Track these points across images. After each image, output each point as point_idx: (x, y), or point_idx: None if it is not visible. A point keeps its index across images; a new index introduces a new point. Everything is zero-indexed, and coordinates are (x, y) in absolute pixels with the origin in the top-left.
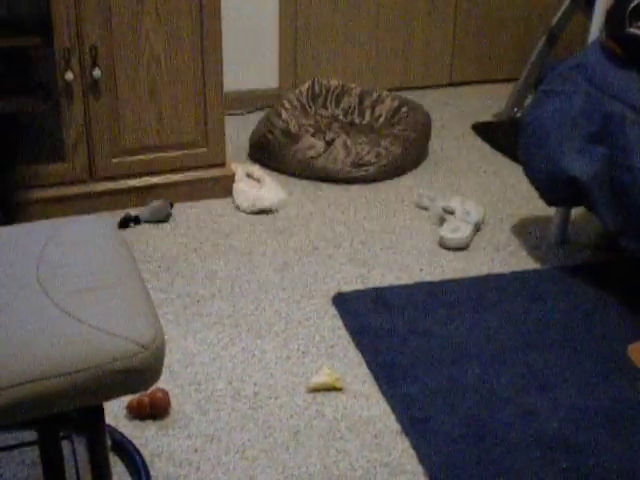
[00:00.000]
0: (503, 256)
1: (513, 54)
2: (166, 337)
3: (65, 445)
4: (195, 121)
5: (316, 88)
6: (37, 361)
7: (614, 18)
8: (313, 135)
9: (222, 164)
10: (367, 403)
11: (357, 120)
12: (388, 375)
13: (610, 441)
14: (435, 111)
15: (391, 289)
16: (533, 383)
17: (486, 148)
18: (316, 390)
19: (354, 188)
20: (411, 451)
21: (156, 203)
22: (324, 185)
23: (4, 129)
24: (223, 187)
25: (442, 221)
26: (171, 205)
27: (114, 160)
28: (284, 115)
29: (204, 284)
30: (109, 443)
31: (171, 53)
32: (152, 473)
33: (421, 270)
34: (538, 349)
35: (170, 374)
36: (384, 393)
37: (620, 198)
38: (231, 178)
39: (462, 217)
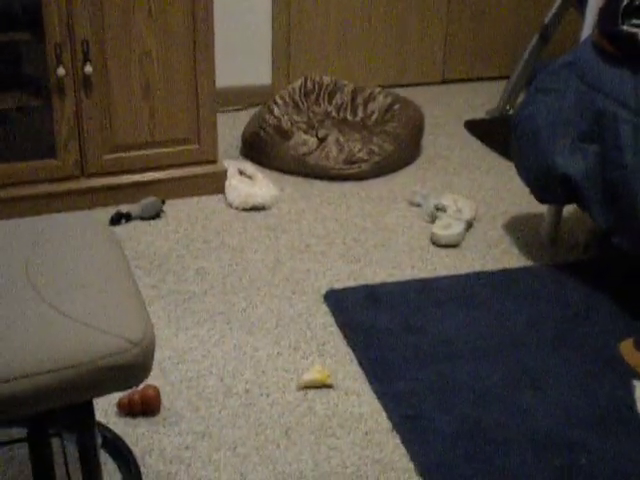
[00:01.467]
0: (495, 253)
1: (506, 52)
2: (157, 334)
3: (55, 442)
4: (187, 117)
5: (309, 85)
6: (26, 358)
7: (607, 16)
8: (305, 132)
9: (214, 161)
10: (358, 400)
11: (350, 117)
12: (379, 372)
13: (602, 439)
14: (428, 108)
15: (383, 286)
16: (525, 381)
17: (478, 145)
18: (307, 387)
19: (346, 185)
20: (402, 448)
21: (148, 200)
22: (316, 182)
23: None
24: (215, 184)
25: (434, 218)
26: (163, 202)
27: (106, 156)
28: (276, 112)
29: (195, 281)
30: (99, 440)
31: (163, 49)
32: (143, 470)
33: (413, 267)
34: (530, 347)
35: (161, 371)
36: (375, 390)
37: (612, 196)
38: (223, 175)
39: (454, 214)
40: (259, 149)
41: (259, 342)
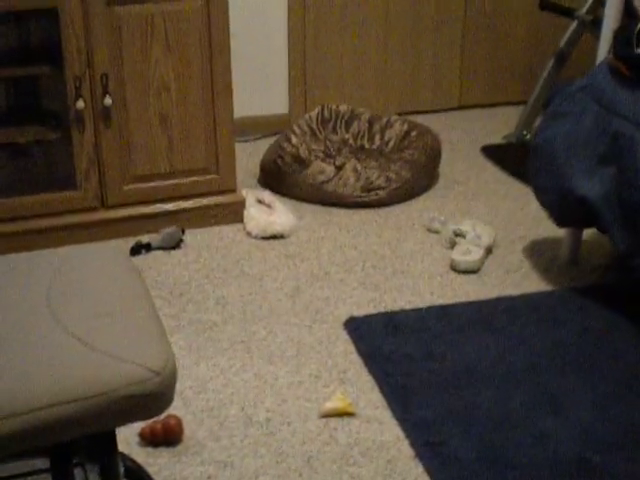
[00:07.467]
0: (515, 278)
1: (522, 76)
2: (178, 363)
3: (77, 472)
4: (205, 147)
5: (326, 113)
6: (48, 388)
7: (622, 39)
8: (323, 160)
9: (233, 190)
10: (380, 428)
11: (367, 144)
12: (401, 399)
13: (625, 462)
14: (444, 134)
15: (403, 313)
16: (546, 405)
17: (496, 171)
18: (329, 415)
19: (365, 212)
20: (425, 476)
21: (167, 230)
22: (335, 210)
23: None
24: (234, 213)
25: (453, 244)
26: (182, 231)
27: (125, 187)
28: (294, 140)
29: (216, 310)
30: (122, 470)
31: (181, 80)
32: None
33: (433, 293)
34: (551, 371)
35: (183, 401)
36: (397, 418)
37: (630, 218)
38: (242, 204)
39: (473, 240)
40: (277, 178)
41: (280, 371)
